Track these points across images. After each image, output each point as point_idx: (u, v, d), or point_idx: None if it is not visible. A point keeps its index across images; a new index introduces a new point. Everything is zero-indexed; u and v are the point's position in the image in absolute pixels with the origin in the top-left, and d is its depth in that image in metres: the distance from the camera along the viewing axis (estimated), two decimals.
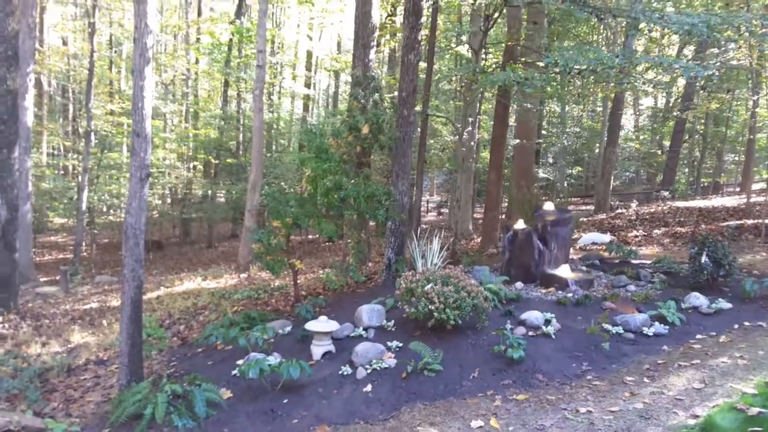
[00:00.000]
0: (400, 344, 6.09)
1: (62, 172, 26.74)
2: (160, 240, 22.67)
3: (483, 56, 13.95)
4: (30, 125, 13.09)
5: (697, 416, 4.03)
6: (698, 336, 6.05)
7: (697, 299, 6.96)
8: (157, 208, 22.20)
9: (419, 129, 11.55)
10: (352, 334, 6.55)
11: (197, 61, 24.62)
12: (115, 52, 24.99)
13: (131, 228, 5.44)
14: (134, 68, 5.48)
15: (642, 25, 10.12)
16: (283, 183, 18.83)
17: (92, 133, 17.13)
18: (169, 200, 25.44)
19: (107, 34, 24.95)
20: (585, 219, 17.28)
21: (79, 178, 17.04)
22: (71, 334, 8.76)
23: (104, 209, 20.18)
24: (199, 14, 24.97)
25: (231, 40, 22.83)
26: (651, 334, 6.07)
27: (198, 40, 24.64)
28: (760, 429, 3.64)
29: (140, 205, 5.47)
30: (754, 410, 3.91)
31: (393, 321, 6.74)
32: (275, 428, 4.84)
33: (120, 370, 5.55)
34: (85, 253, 17.99)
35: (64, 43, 26.70)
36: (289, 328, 7.20)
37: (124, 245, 5.48)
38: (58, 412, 5.76)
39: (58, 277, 13.54)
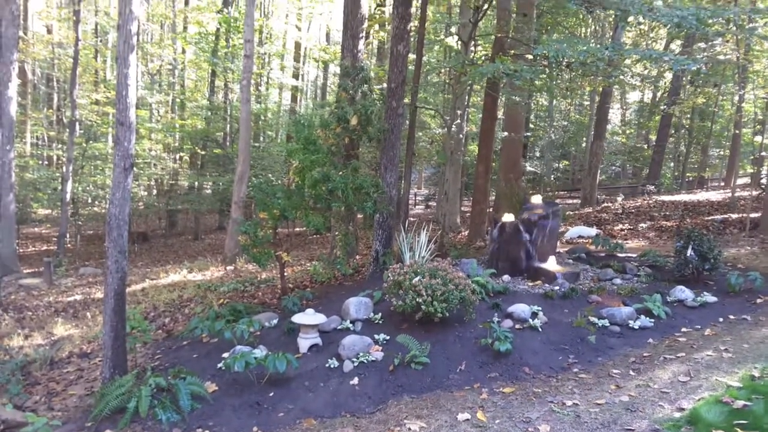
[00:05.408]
0: (388, 337, 6.07)
1: (46, 162, 26.41)
2: (146, 232, 22.47)
3: (472, 48, 13.91)
4: (13, 115, 12.88)
5: (683, 409, 4.05)
6: (683, 329, 6.09)
7: (683, 293, 7.00)
8: (142, 199, 21.98)
9: (408, 121, 11.49)
10: (339, 327, 6.52)
11: (184, 51, 24.36)
12: (101, 41, 24.62)
13: (115, 219, 5.36)
14: (118, 55, 5.39)
15: (631, 18, 10.11)
16: (270, 174, 18.69)
17: (77, 123, 16.91)
18: (155, 191, 25.20)
19: (93, 23, 24.59)
20: (571, 212, 17.35)
21: (63, 168, 16.83)
22: (54, 327, 8.66)
23: (89, 200, 19.93)
24: (186, 3, 24.74)
25: (218, 29, 22.58)
26: (637, 327, 6.10)
27: (185, 29, 24.35)
28: (745, 422, 3.67)
29: (124, 195, 5.38)
30: (740, 403, 3.94)
31: (380, 314, 6.71)
32: (261, 421, 4.80)
33: (103, 362, 5.48)
34: (69, 245, 17.79)
35: (49, 31, 26.25)
36: (275, 321, 7.15)
37: (108, 236, 5.40)
38: (40, 405, 5.68)
39: (41, 269, 13.37)
